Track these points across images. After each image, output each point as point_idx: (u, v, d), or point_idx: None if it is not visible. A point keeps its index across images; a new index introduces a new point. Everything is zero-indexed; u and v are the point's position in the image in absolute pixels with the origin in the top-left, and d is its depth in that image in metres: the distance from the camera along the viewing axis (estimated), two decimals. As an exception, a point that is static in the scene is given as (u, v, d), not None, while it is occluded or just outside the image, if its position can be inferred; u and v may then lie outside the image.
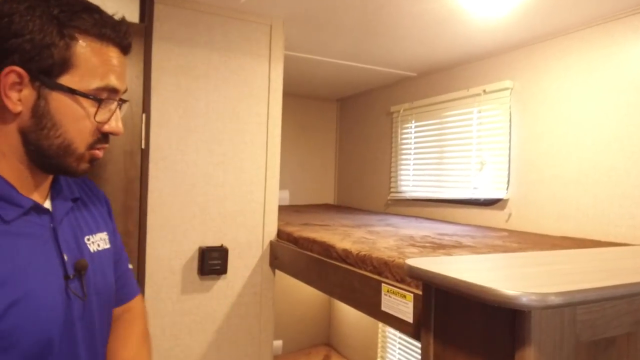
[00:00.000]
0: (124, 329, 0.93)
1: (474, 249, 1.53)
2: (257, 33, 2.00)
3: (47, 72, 0.69)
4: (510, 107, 2.32)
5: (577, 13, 1.86)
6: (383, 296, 1.26)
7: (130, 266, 1.01)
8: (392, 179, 3.20)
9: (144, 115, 1.75)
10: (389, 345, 3.05)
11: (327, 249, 1.65)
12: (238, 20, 1.96)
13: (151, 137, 1.82)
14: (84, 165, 0.77)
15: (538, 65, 2.19)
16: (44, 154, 0.72)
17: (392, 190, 3.20)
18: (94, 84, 0.72)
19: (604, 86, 1.91)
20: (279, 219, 2.25)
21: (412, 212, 2.99)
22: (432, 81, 2.88)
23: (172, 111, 1.86)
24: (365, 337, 3.27)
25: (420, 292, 1.09)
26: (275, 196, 2.08)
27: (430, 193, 2.85)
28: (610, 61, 1.88)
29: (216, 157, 1.95)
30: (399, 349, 2.95)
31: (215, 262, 1.92)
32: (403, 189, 3.10)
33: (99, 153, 0.78)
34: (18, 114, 0.69)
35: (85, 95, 0.71)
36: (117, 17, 0.77)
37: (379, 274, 1.33)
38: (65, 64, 0.69)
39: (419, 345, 1.00)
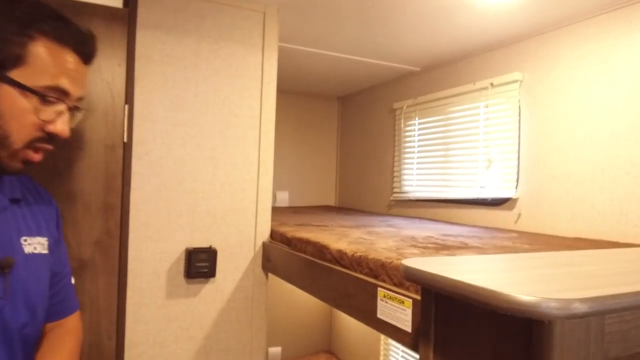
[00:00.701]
0: (55, 343, 0.88)
1: (481, 250, 1.40)
2: (249, 21, 1.88)
3: None
4: (519, 101, 2.18)
5: (592, -3, 1.73)
6: (379, 302, 1.13)
7: (73, 281, 0.98)
8: (395, 179, 3.06)
9: (126, 107, 1.64)
10: (391, 353, 2.90)
11: (320, 250, 1.52)
12: (229, 7, 1.84)
13: (134, 130, 1.70)
14: (16, 164, 0.76)
15: (549, 55, 2.06)
16: None
17: (395, 190, 3.06)
18: (42, 81, 0.74)
19: (621, 75, 1.77)
20: (276, 220, 2.13)
21: (416, 213, 2.85)
22: (437, 76, 2.75)
23: (158, 103, 1.74)
24: (368, 344, 3.13)
25: (419, 298, 0.96)
26: (269, 194, 1.96)
27: (435, 193, 2.71)
28: (629, 48, 1.74)
29: (205, 152, 1.83)
30: (402, 357, 2.80)
31: (203, 264, 1.79)
32: (406, 189, 2.96)
33: (36, 156, 0.78)
34: None
35: (30, 89, 0.73)
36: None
37: (376, 277, 1.20)
38: (17, 59, 0.73)
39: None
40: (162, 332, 1.78)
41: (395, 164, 3.06)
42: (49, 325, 0.90)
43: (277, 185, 3.60)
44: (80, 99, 0.81)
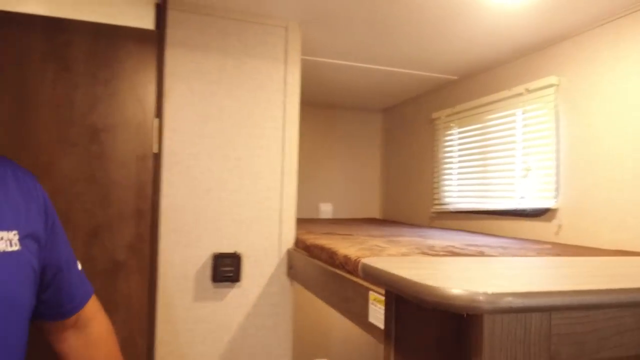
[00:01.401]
0: (89, 348, 0.87)
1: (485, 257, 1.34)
2: (272, 36, 1.97)
3: None
4: (556, 106, 2.07)
5: (624, -8, 1.62)
6: (370, 305, 1.13)
7: (80, 267, 0.94)
8: (435, 191, 2.99)
9: (156, 120, 1.77)
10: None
11: (331, 256, 1.54)
12: (252, 24, 1.94)
13: (164, 142, 1.83)
14: None
15: (586, 57, 1.94)
16: None
17: (435, 202, 2.99)
18: None
19: (662, 74, 1.63)
20: (312, 230, 2.17)
21: (458, 225, 2.76)
22: (474, 83, 2.67)
23: (186, 116, 1.87)
24: None
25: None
26: (293, 203, 2.01)
27: (474, 204, 2.61)
28: (669, 44, 1.61)
29: (231, 163, 1.92)
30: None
31: (228, 268, 1.87)
32: (447, 200, 2.88)
33: None
34: None
35: None
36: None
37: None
38: None
39: None
40: (190, 332, 1.87)
41: (435, 174, 3.00)
42: (70, 321, 0.88)
43: (321, 198, 3.64)
44: None
